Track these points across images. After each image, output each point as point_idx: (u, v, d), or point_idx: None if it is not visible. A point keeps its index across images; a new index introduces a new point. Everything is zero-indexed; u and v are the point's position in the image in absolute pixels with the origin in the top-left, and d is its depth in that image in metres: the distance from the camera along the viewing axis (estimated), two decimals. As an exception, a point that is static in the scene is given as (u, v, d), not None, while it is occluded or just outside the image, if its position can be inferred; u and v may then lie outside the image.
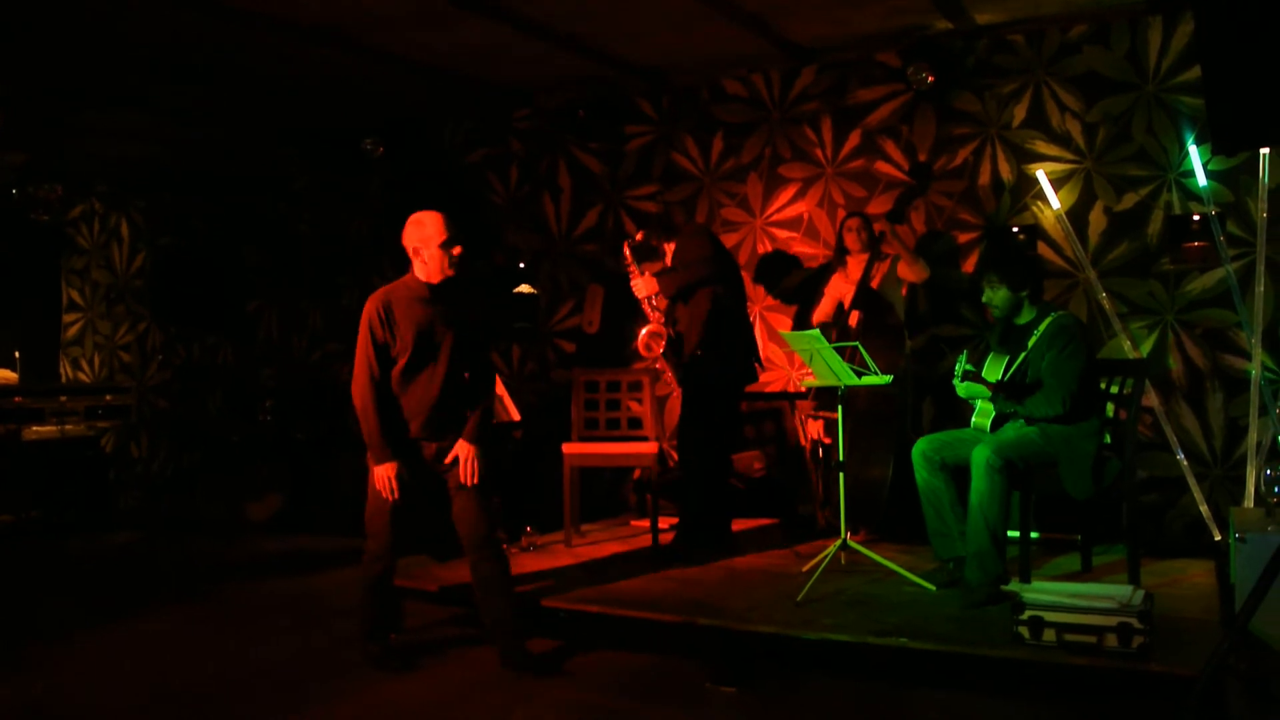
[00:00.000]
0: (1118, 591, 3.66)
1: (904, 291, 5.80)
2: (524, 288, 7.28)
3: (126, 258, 9.62)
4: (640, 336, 5.66)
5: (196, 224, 9.15)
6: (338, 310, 8.38)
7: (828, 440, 5.63)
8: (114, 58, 6.16)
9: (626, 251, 5.62)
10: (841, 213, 6.28)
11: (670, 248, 5.47)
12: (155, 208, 9.43)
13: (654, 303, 5.62)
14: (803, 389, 6.10)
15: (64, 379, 9.93)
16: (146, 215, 9.49)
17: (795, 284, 6.58)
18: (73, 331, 9.95)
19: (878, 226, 5.82)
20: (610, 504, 6.88)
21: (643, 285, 5.53)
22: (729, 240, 6.72)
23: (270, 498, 7.94)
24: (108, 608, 5.33)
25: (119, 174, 9.38)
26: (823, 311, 5.87)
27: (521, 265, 7.46)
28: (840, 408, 4.67)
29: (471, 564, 4.11)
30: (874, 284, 5.65)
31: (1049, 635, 3.55)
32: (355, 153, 7.73)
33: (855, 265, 5.78)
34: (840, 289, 5.84)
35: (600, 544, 5.77)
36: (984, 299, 4.55)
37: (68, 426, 8.33)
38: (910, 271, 5.67)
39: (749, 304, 6.55)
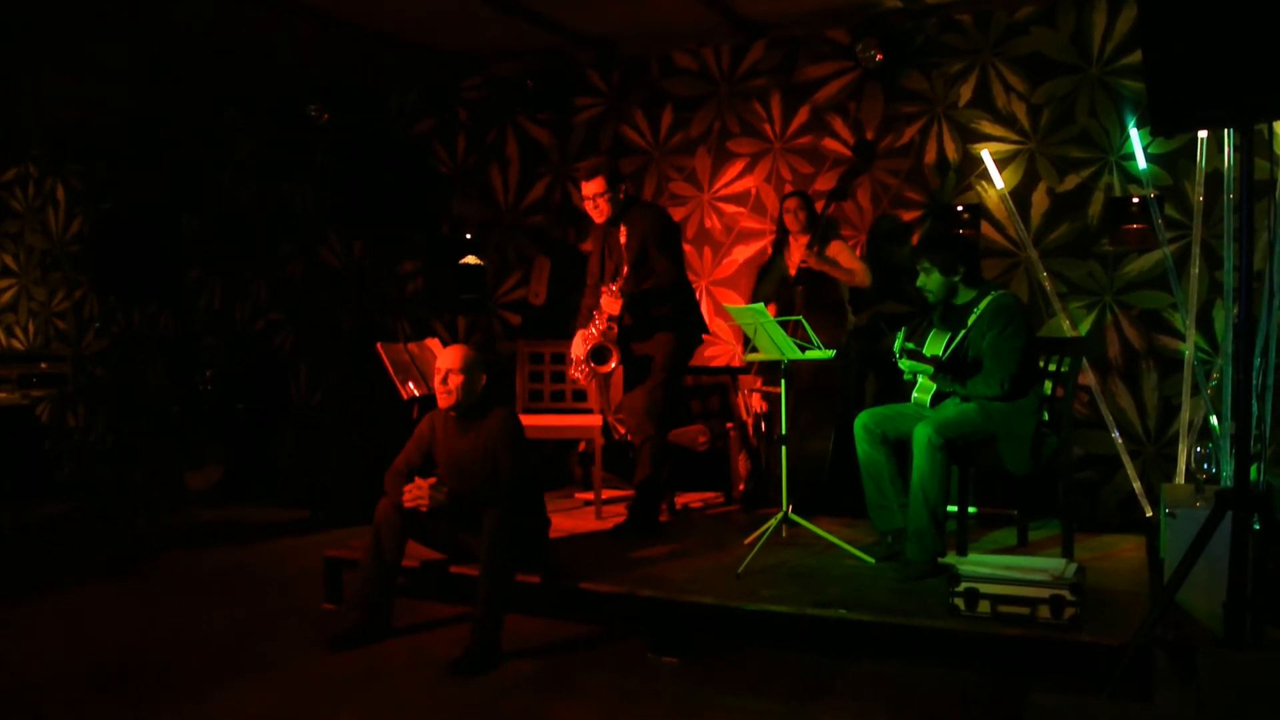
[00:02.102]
0: (1051, 565, 3.73)
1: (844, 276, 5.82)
2: (470, 259, 7.22)
3: (63, 223, 9.40)
4: (577, 361, 5.13)
5: (136, 190, 8.94)
6: (280, 280, 8.27)
7: (764, 408, 5.67)
8: (43, 16, 5.99)
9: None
10: (789, 188, 6.30)
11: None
12: (93, 172, 9.21)
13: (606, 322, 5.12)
14: (745, 363, 6.11)
15: (-3, 346, 9.72)
16: (84, 180, 9.27)
17: (741, 260, 6.59)
18: (6, 298, 9.71)
19: (819, 204, 5.84)
20: (555, 476, 6.88)
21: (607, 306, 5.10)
22: (677, 214, 6.72)
23: (210, 469, 7.85)
24: (41, 578, 5.25)
25: (55, 137, 9.14)
26: (766, 291, 5.89)
27: (468, 236, 7.41)
28: (783, 382, 4.69)
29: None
30: (811, 264, 5.63)
31: (984, 607, 3.61)
32: (299, 119, 7.61)
33: (797, 247, 5.80)
34: (783, 268, 5.87)
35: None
36: (918, 283, 4.57)
37: (1, 395, 8.15)
38: (853, 274, 5.66)
39: (695, 279, 6.58)
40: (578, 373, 5.08)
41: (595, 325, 5.07)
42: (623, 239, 5.08)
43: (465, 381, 4.20)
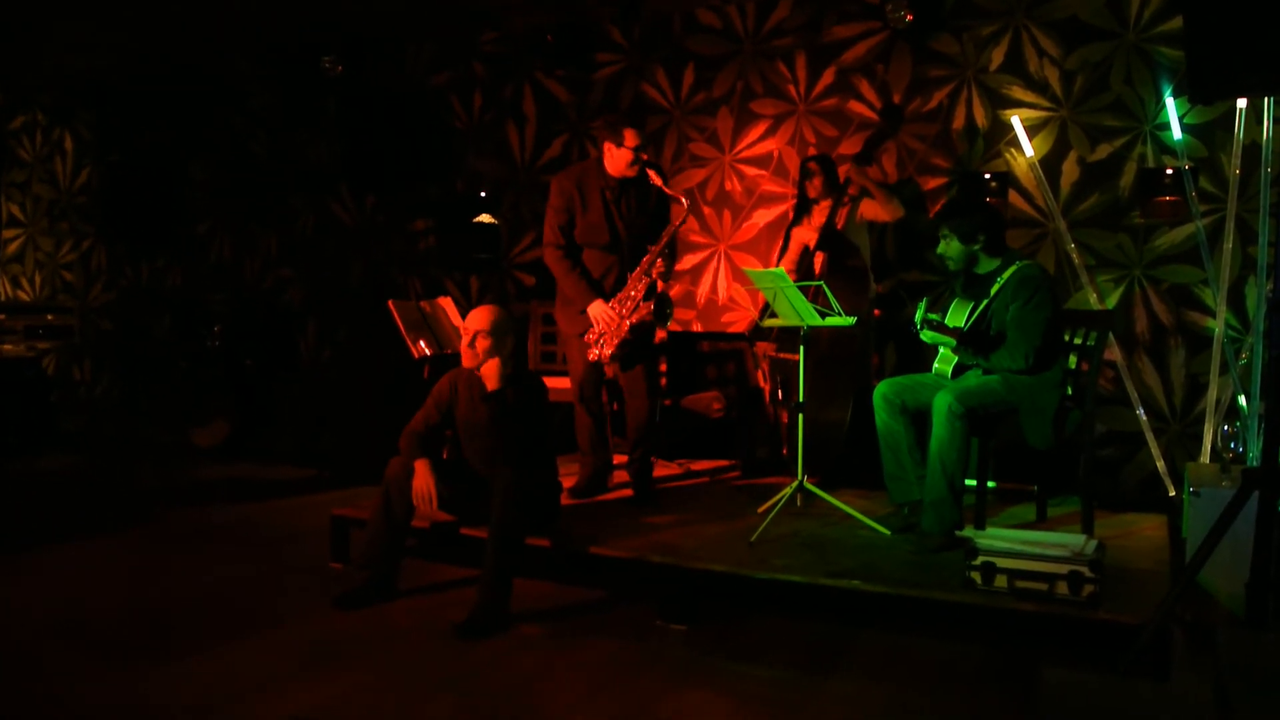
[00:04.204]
0: (1070, 540, 3.72)
1: (871, 234, 5.78)
2: (484, 217, 7.22)
3: (71, 172, 9.42)
4: (603, 344, 4.93)
5: (146, 140, 8.95)
6: (291, 235, 8.28)
7: (766, 386, 5.65)
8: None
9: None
10: (813, 151, 6.26)
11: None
12: (102, 121, 9.21)
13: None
14: (755, 329, 6.09)
15: (3, 297, 9.76)
16: (93, 129, 9.28)
17: (762, 224, 6.57)
18: (13, 248, 9.76)
19: (843, 170, 5.80)
20: (565, 439, 6.88)
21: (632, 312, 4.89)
22: (697, 176, 6.69)
23: (217, 425, 7.90)
24: (44, 533, 5.30)
25: (64, 85, 9.14)
26: (789, 259, 5.86)
27: (483, 194, 7.39)
28: (802, 349, 4.68)
29: None
30: (839, 225, 5.63)
31: (1000, 581, 3.61)
32: (313, 70, 7.59)
33: (819, 212, 5.76)
34: (805, 234, 5.84)
35: (554, 480, 5.77)
36: (938, 250, 4.53)
37: (6, 346, 8.20)
38: (882, 210, 5.61)
39: (714, 242, 6.56)
40: (595, 351, 4.89)
41: (624, 309, 4.82)
42: (651, 205, 4.91)
43: (493, 345, 4.17)
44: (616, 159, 4.81)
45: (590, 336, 4.88)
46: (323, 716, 3.12)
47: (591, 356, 4.90)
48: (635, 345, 4.92)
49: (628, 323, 4.81)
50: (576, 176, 4.94)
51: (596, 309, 4.85)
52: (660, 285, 4.88)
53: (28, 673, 3.46)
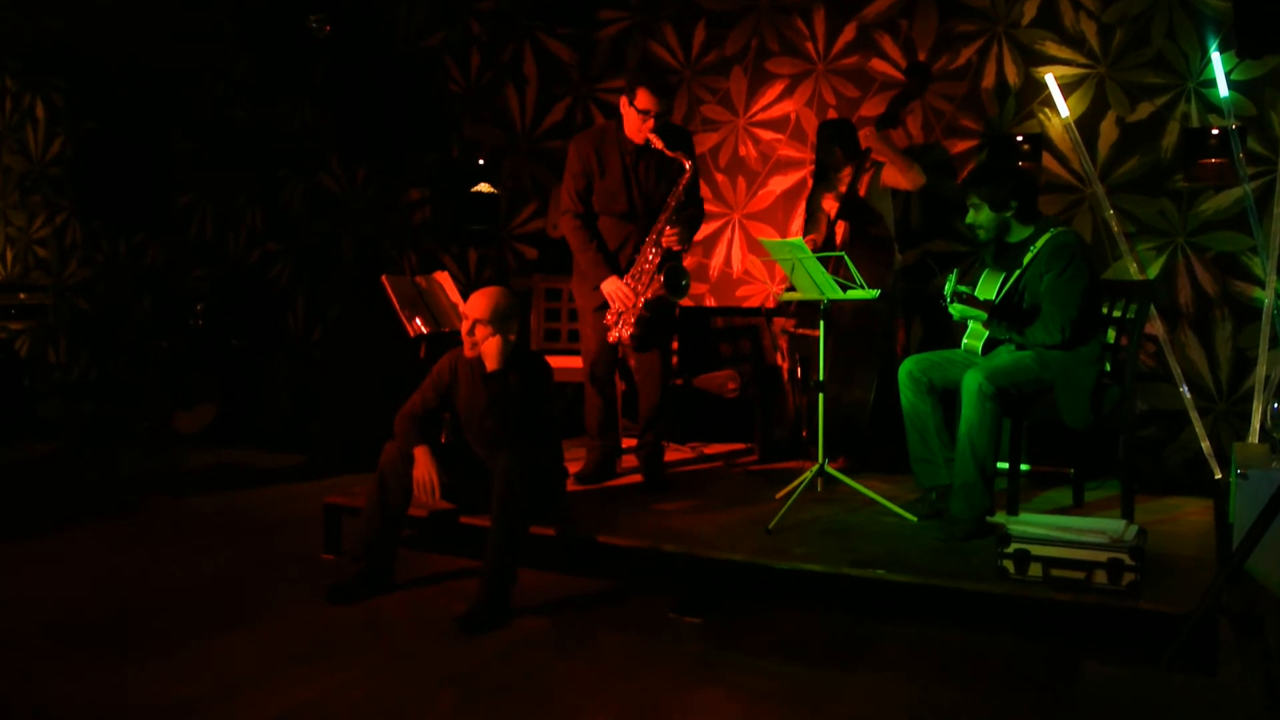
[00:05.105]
0: (1110, 526, 3.71)
1: (895, 201, 5.74)
2: (483, 186, 7.19)
3: (43, 142, 9.41)
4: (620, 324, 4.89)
5: (123, 108, 8.93)
6: (277, 207, 8.26)
7: (783, 363, 5.64)
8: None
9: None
10: (832, 113, 6.22)
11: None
12: (76, 88, 9.20)
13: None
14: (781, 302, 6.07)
15: (-28, 274, 9.79)
16: (67, 96, 9.26)
17: (779, 192, 6.54)
18: (-17, 223, 9.77)
19: (863, 134, 5.75)
20: (571, 422, 6.88)
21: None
22: (709, 141, 6.66)
23: (201, 409, 7.91)
24: (20, 524, 5.31)
25: (33, 48, 9.11)
26: (818, 233, 5.81)
27: (480, 161, 7.36)
28: (822, 324, 4.66)
29: None
30: (861, 192, 5.59)
31: (1035, 570, 3.60)
32: (299, 31, 7.55)
33: (839, 179, 5.70)
34: (826, 203, 5.79)
35: (560, 465, 5.77)
36: (968, 220, 4.50)
37: (-23, 327, 8.23)
38: (902, 178, 5.57)
39: (728, 211, 6.54)
40: (615, 333, 4.86)
41: (639, 284, 4.80)
42: (673, 172, 4.81)
43: (494, 334, 4.14)
44: (630, 121, 4.77)
45: (609, 317, 4.86)
46: (314, 715, 3.12)
47: (611, 339, 4.88)
48: (653, 324, 4.88)
49: (643, 299, 4.78)
50: (595, 139, 4.91)
51: (611, 286, 4.83)
52: (680, 253, 4.85)
53: (2, 670, 3.46)
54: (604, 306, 4.89)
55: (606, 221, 4.93)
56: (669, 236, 4.77)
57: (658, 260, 4.78)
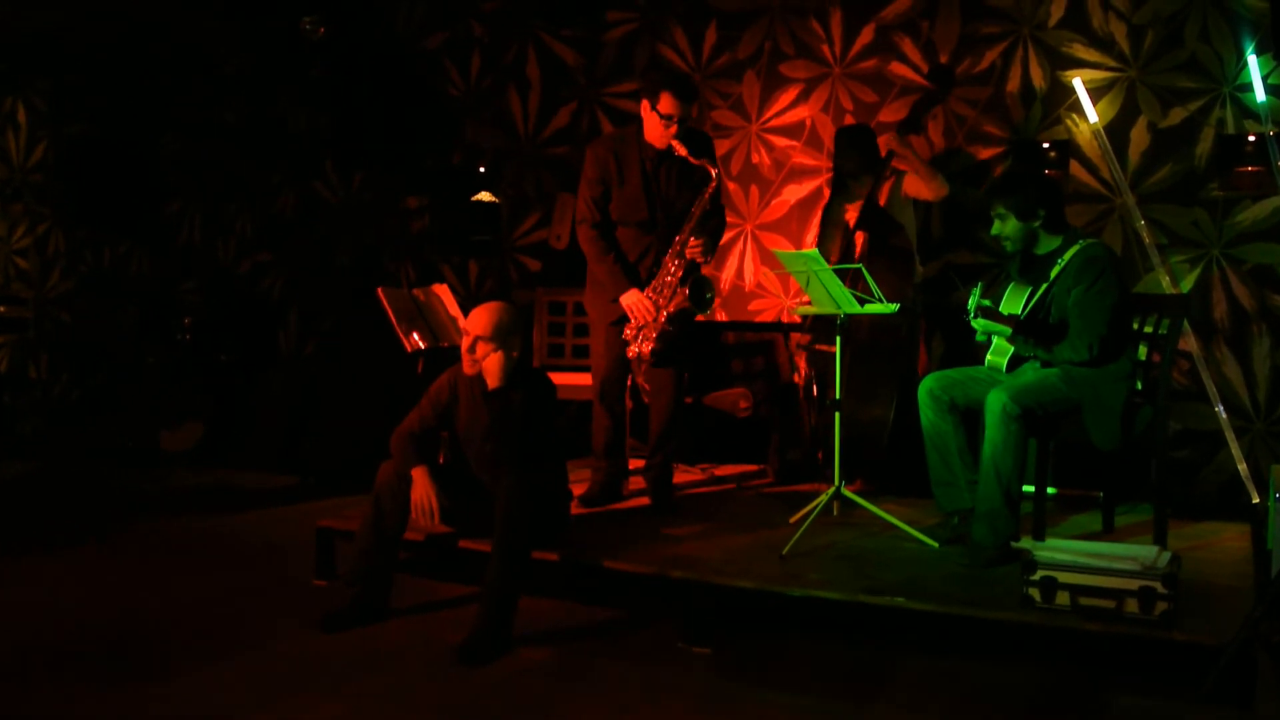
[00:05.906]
0: (1141, 553, 3.70)
1: (916, 210, 5.75)
2: (484, 195, 7.22)
3: (24, 148, 9.46)
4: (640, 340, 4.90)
5: (108, 112, 8.97)
6: (269, 215, 8.29)
7: (799, 380, 5.65)
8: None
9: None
10: (850, 119, 6.24)
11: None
12: (60, 90, 9.25)
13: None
14: (796, 318, 6.09)
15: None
16: (49, 99, 9.31)
17: (793, 201, 6.55)
18: (-38, 232, 9.82)
19: (883, 140, 5.77)
20: (575, 441, 6.89)
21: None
22: (721, 148, 6.67)
23: (188, 427, 7.93)
24: (3, 545, 5.32)
25: (14, 48, 9.15)
26: (835, 247, 5.82)
27: (481, 169, 7.39)
28: (839, 339, 4.67)
29: None
30: (881, 201, 5.60)
31: (1062, 598, 3.60)
32: (293, 33, 7.59)
33: (858, 188, 5.72)
34: (848, 214, 5.81)
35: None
36: (993, 231, 4.52)
37: (-46, 340, 8.26)
38: (924, 188, 5.58)
39: (740, 221, 6.55)
40: (634, 348, 4.86)
41: (661, 298, 4.81)
42: (696, 180, 4.81)
43: (495, 351, 4.15)
44: (651, 126, 4.78)
45: (628, 332, 4.86)
46: (307, 749, 3.13)
47: (631, 354, 4.88)
48: (674, 339, 4.88)
49: (665, 313, 4.79)
50: (614, 144, 4.92)
51: (631, 299, 4.82)
52: (701, 265, 4.86)
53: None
54: (621, 320, 4.89)
55: (625, 232, 4.93)
56: (693, 248, 4.77)
57: (680, 273, 4.79)
